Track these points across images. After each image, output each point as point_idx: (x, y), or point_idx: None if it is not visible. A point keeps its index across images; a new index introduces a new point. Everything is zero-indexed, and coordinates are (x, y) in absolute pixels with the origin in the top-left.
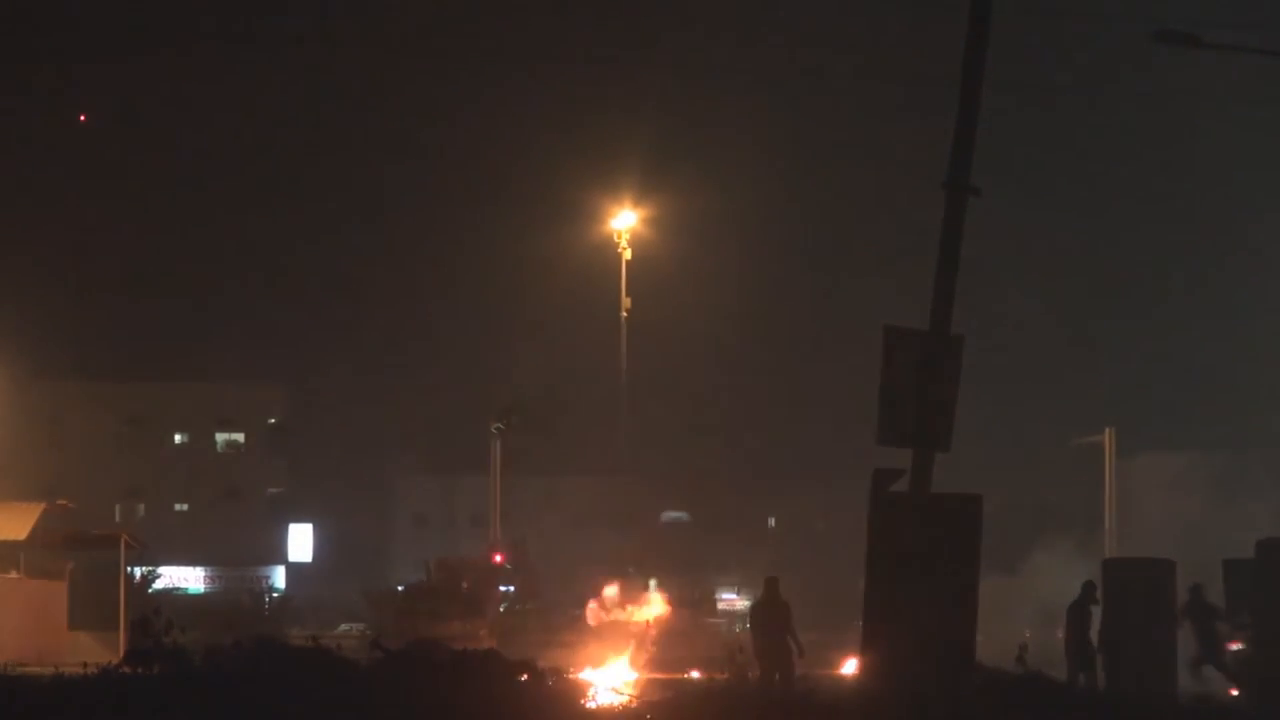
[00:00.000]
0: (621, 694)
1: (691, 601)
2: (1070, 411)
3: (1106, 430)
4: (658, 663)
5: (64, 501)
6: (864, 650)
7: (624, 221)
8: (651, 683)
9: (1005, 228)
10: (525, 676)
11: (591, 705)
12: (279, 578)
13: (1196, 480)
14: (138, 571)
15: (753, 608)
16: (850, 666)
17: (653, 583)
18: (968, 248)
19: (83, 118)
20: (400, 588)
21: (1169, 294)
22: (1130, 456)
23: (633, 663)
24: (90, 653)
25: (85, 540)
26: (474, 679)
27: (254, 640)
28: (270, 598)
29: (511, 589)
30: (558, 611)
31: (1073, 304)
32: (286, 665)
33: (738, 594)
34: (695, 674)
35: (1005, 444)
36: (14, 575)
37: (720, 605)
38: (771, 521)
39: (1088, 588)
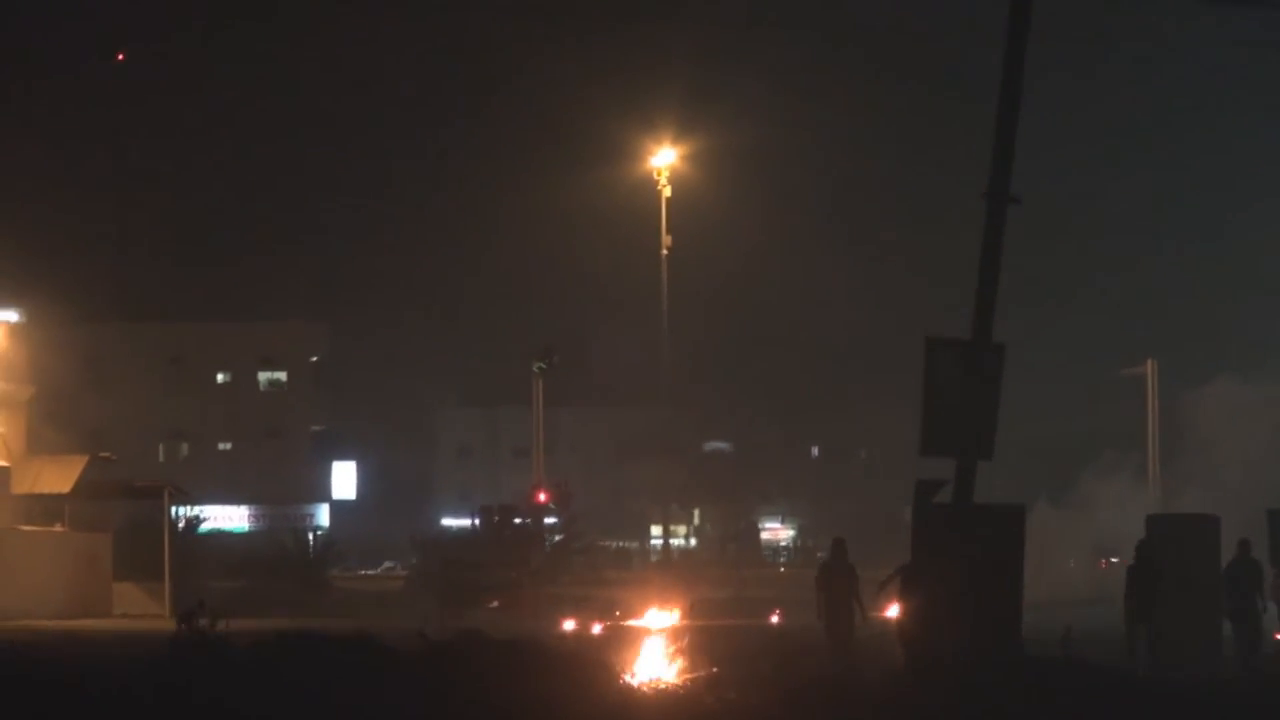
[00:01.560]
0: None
1: (734, 534)
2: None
3: (1149, 362)
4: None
5: (107, 454)
6: (908, 654)
7: (664, 159)
8: (701, 634)
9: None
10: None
11: (640, 687)
12: (323, 515)
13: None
14: (182, 516)
15: (820, 568)
16: (893, 610)
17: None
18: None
19: (120, 56)
20: (447, 525)
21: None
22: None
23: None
24: (136, 603)
25: (129, 491)
26: (521, 671)
27: (297, 632)
28: (314, 537)
29: (556, 528)
30: (603, 553)
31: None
32: (330, 657)
33: (781, 523)
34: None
35: (1073, 375)
36: (59, 528)
37: (763, 534)
38: (815, 450)
39: (1140, 548)
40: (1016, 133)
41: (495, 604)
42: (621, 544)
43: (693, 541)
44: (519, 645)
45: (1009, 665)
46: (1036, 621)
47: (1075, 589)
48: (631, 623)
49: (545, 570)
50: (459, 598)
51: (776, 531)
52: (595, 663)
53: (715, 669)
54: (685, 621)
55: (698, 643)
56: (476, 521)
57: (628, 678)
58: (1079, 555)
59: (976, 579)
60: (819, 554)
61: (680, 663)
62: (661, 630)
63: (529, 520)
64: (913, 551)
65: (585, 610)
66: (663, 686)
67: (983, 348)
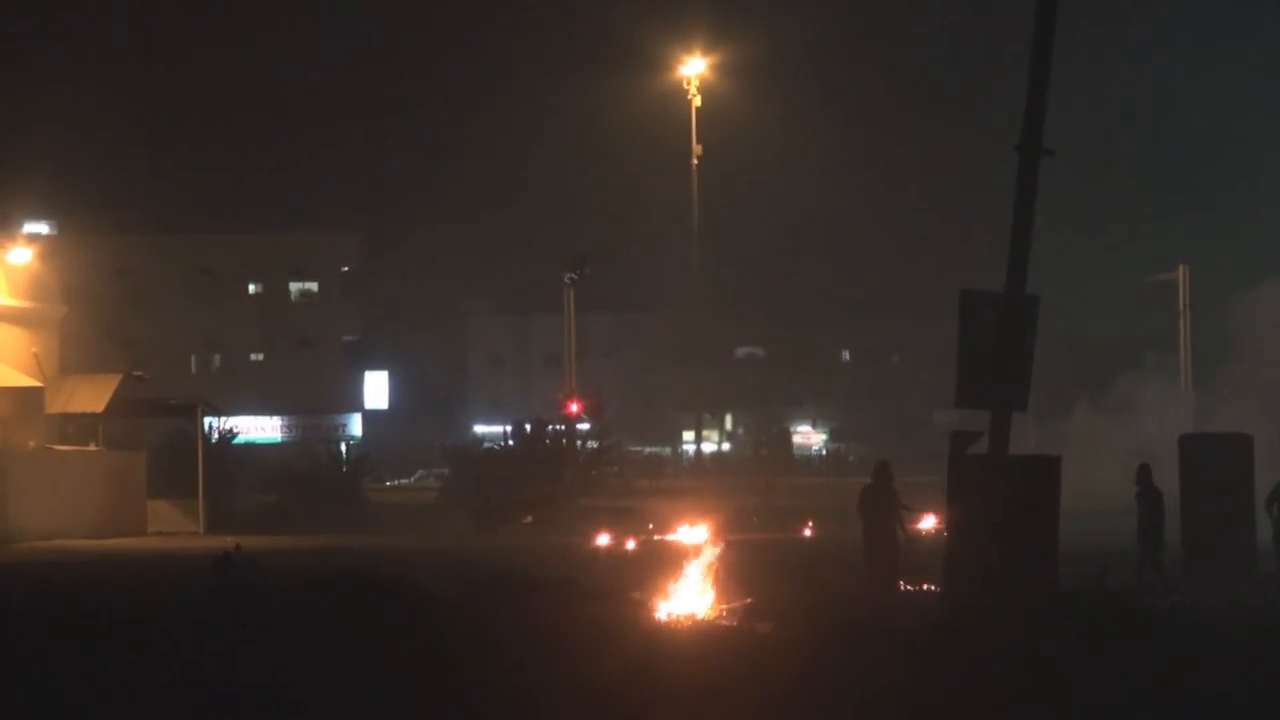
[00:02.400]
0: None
1: (766, 439)
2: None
3: (1180, 267)
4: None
5: (140, 373)
6: (945, 608)
7: (693, 68)
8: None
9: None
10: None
11: (675, 622)
12: (355, 425)
13: None
14: (215, 429)
15: (861, 494)
16: (929, 522)
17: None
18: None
19: None
20: (479, 433)
21: None
22: (1252, 287)
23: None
24: (171, 520)
25: (162, 409)
26: (562, 610)
27: (336, 575)
28: (347, 447)
29: (589, 434)
30: (634, 461)
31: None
32: (367, 600)
33: (813, 427)
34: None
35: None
36: (93, 447)
37: (795, 439)
38: (846, 354)
39: (1141, 472)
40: (1049, 84)
41: (528, 520)
42: (653, 450)
43: (725, 447)
44: (552, 585)
45: (1044, 614)
46: (1073, 536)
47: (1113, 499)
48: (665, 537)
49: (578, 483)
50: (493, 515)
51: (808, 436)
52: (628, 599)
53: (750, 599)
54: (718, 537)
55: (732, 561)
56: (509, 435)
57: (661, 613)
58: (1115, 463)
59: (1012, 530)
60: (850, 459)
61: (714, 588)
62: (694, 546)
63: (563, 433)
64: (948, 503)
65: (619, 524)
66: (698, 619)
67: (1017, 299)
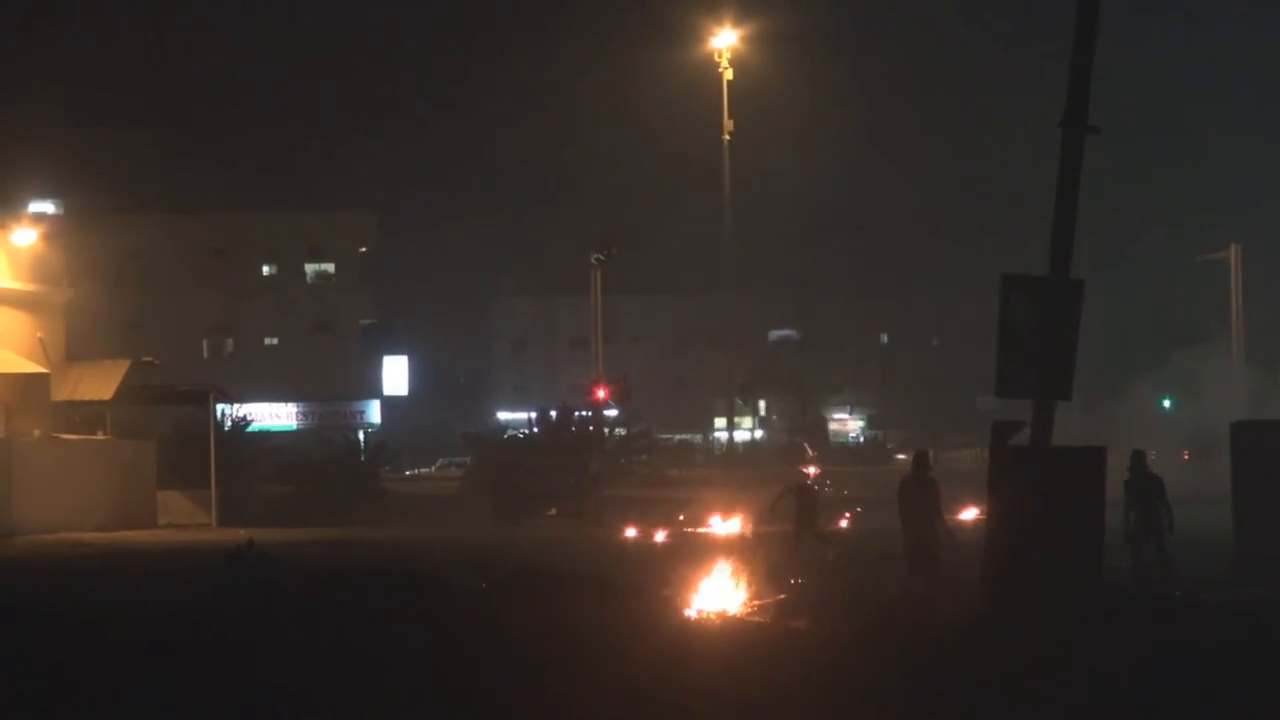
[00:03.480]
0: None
1: (802, 426)
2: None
3: (1231, 246)
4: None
5: (149, 358)
6: (986, 602)
7: (725, 41)
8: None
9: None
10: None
11: (704, 618)
12: (374, 412)
13: None
14: (228, 417)
15: (900, 486)
16: (970, 513)
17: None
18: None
19: None
20: (502, 419)
21: None
22: None
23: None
24: (182, 512)
25: (173, 396)
26: (588, 606)
27: (353, 571)
28: (365, 435)
29: (617, 424)
30: (664, 449)
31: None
32: (385, 597)
33: (850, 414)
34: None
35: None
36: (100, 436)
37: (831, 425)
38: (884, 338)
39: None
40: (1094, 59)
41: (553, 512)
42: (683, 438)
43: (759, 434)
44: (577, 581)
45: (1089, 611)
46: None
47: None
48: (695, 529)
49: (605, 473)
50: (515, 506)
51: (845, 423)
52: (657, 595)
53: (783, 594)
54: (749, 528)
55: (764, 554)
56: (534, 422)
57: (691, 609)
58: (1165, 446)
59: (1055, 522)
60: (889, 446)
61: (746, 582)
62: (723, 538)
63: (590, 420)
64: (989, 494)
65: (647, 516)
66: (729, 616)
67: (1060, 284)
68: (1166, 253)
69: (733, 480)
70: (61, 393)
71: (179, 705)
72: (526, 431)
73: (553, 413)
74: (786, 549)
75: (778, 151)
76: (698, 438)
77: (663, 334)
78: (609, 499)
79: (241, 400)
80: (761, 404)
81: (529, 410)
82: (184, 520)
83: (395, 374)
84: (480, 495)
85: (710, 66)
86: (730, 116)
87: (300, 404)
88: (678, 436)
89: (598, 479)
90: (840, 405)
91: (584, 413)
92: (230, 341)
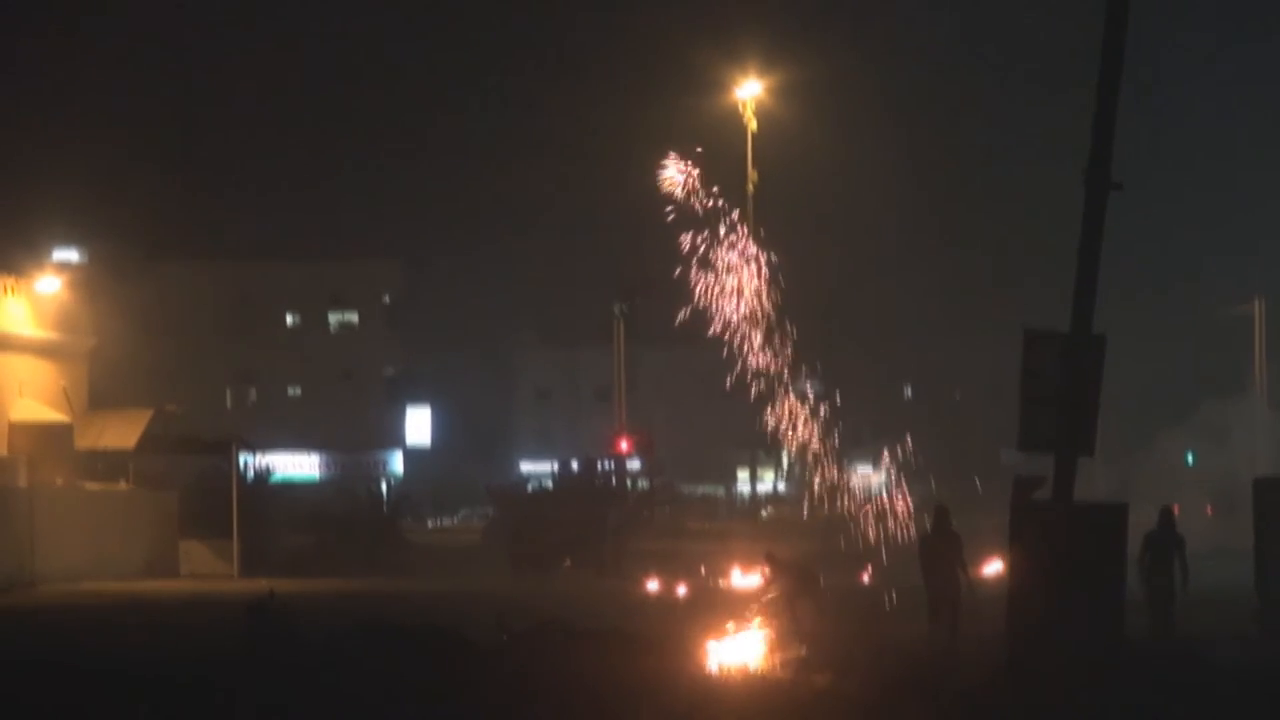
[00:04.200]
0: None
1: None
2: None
3: (1256, 299)
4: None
5: (172, 407)
6: (1008, 659)
7: (749, 91)
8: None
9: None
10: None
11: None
12: (396, 462)
13: None
14: (251, 467)
15: (922, 542)
16: (994, 567)
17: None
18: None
19: None
20: (526, 471)
21: None
22: None
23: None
24: (203, 562)
25: (196, 445)
26: (608, 661)
27: (374, 624)
28: (388, 485)
29: (641, 475)
30: (687, 502)
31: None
32: (407, 651)
33: (873, 469)
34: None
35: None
36: (123, 485)
37: (853, 481)
38: (908, 391)
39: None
40: (1117, 113)
41: (568, 563)
42: (706, 490)
43: (781, 487)
44: (598, 636)
45: (1111, 667)
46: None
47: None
48: (717, 583)
49: (627, 527)
50: (530, 558)
51: (868, 478)
52: (678, 650)
53: (805, 649)
54: (771, 583)
55: (785, 610)
56: (558, 474)
57: (712, 665)
58: (1188, 499)
59: (1076, 579)
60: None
61: (768, 638)
62: (747, 594)
63: (612, 472)
64: (1011, 550)
65: (669, 569)
66: (751, 672)
67: (1082, 340)
68: (1192, 307)
69: (755, 533)
70: (84, 441)
71: None
72: (549, 483)
73: (574, 464)
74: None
75: (801, 202)
76: (720, 490)
77: (687, 385)
78: (632, 551)
79: (264, 450)
80: (784, 456)
81: (552, 461)
82: (205, 570)
83: (418, 424)
84: (502, 548)
85: (735, 117)
86: (754, 167)
87: (323, 454)
88: (700, 489)
89: (618, 531)
90: (863, 458)
91: (607, 465)
92: (254, 391)
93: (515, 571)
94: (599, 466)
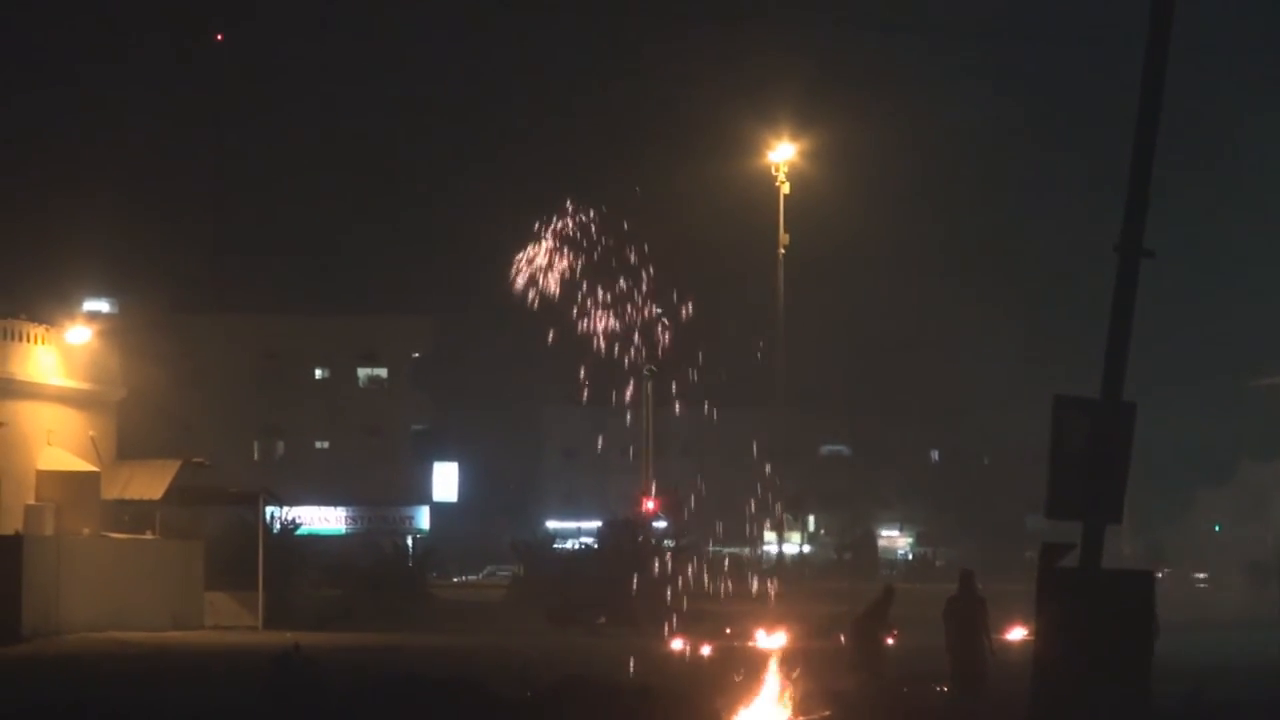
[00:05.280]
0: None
1: (850, 542)
2: None
3: None
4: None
5: (200, 459)
6: (1033, 717)
7: (782, 154)
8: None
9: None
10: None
11: None
12: (423, 518)
13: None
14: (277, 520)
15: (947, 603)
16: (1017, 633)
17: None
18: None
19: (219, 37)
20: (554, 538)
21: None
22: None
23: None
24: (228, 614)
25: (223, 497)
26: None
27: (399, 678)
28: (414, 541)
29: (666, 536)
30: (714, 562)
31: None
32: (431, 705)
33: (900, 531)
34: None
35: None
36: (149, 535)
37: (881, 542)
38: (935, 455)
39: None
40: (1151, 181)
41: (602, 620)
42: (732, 551)
43: (807, 549)
44: (622, 692)
45: None
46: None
47: (1215, 608)
48: (741, 643)
49: (657, 586)
50: (567, 614)
51: (894, 539)
52: (703, 709)
53: (828, 711)
54: (793, 643)
55: (806, 669)
56: (597, 533)
57: None
58: (1216, 568)
59: (1102, 648)
60: (937, 563)
61: (792, 699)
62: (770, 653)
63: (644, 531)
64: (1037, 617)
65: (694, 628)
66: None
67: (1113, 407)
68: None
69: (781, 595)
70: (112, 491)
71: None
72: (586, 542)
73: (607, 524)
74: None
75: (833, 265)
76: (746, 551)
77: (714, 447)
78: (660, 610)
79: (291, 503)
80: (811, 519)
81: (578, 520)
82: (230, 622)
83: (445, 480)
84: (528, 603)
85: (767, 180)
86: (786, 230)
87: (349, 508)
88: (726, 550)
89: (650, 592)
90: (890, 522)
91: (642, 535)
92: (281, 444)
93: (551, 625)
94: (637, 526)
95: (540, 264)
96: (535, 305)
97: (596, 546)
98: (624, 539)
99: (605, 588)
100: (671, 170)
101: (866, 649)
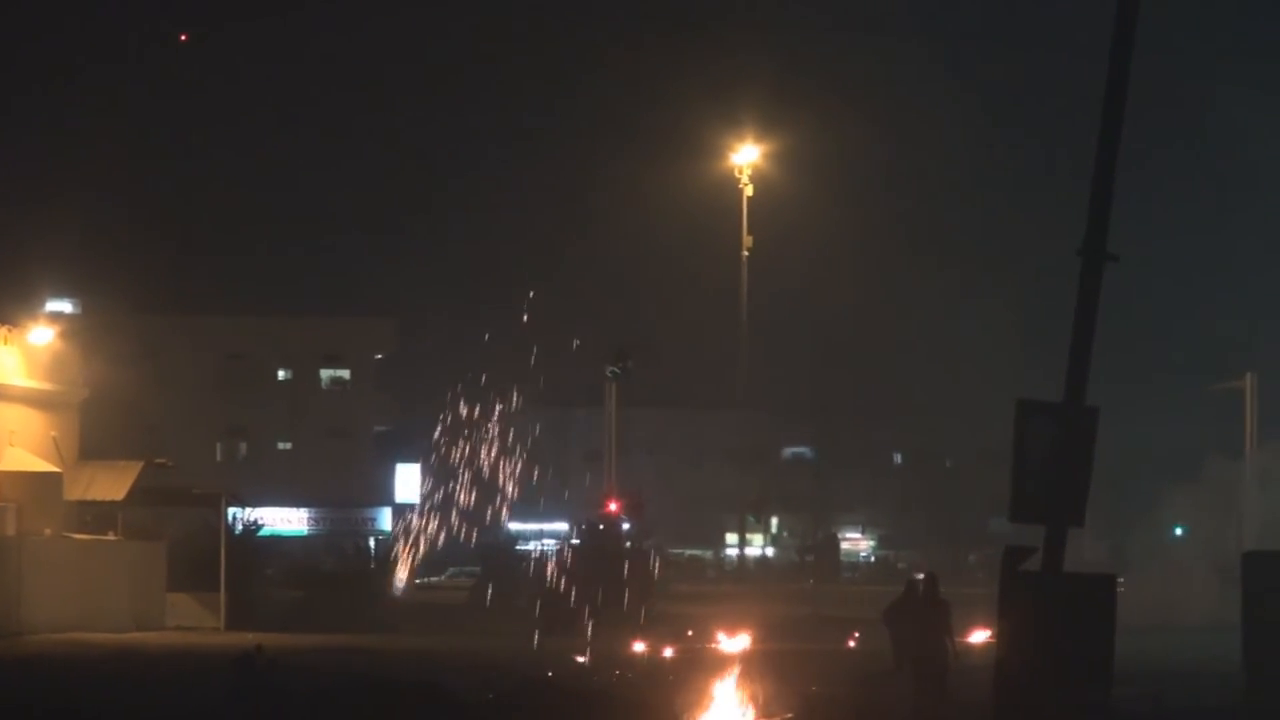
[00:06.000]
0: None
1: (813, 544)
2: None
3: (1247, 375)
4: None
5: (163, 460)
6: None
7: (746, 157)
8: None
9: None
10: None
11: None
12: (385, 520)
13: None
14: (239, 521)
15: (892, 607)
16: (980, 635)
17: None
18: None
19: (184, 37)
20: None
21: None
22: None
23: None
24: (190, 615)
25: (185, 498)
26: None
27: (360, 680)
28: (376, 542)
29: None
30: (674, 568)
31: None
32: (392, 708)
33: (862, 533)
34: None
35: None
36: (111, 536)
37: (843, 545)
38: (898, 457)
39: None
40: (1114, 185)
41: (593, 622)
42: (694, 553)
43: (770, 551)
44: (582, 695)
45: None
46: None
47: (1177, 611)
48: (703, 645)
49: (644, 588)
50: (559, 617)
51: (857, 542)
52: (662, 711)
53: (790, 714)
54: (757, 646)
55: (771, 673)
56: (576, 535)
57: None
58: (1181, 571)
59: (1064, 650)
60: (899, 565)
61: (754, 701)
62: (733, 656)
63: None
64: (999, 620)
65: (656, 630)
66: None
67: (1076, 411)
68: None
69: (743, 596)
70: (74, 492)
71: None
72: (569, 544)
73: (586, 525)
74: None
75: (797, 267)
76: (709, 553)
77: (678, 448)
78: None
79: (253, 504)
80: (774, 521)
81: (539, 522)
82: (192, 623)
83: (408, 481)
84: (491, 605)
85: (731, 182)
86: (749, 232)
87: (312, 509)
88: (688, 551)
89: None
90: (852, 524)
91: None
92: (244, 445)
93: (546, 632)
94: (616, 528)
95: None
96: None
97: (578, 548)
98: (607, 541)
99: (598, 590)
100: (636, 174)
101: (924, 653)
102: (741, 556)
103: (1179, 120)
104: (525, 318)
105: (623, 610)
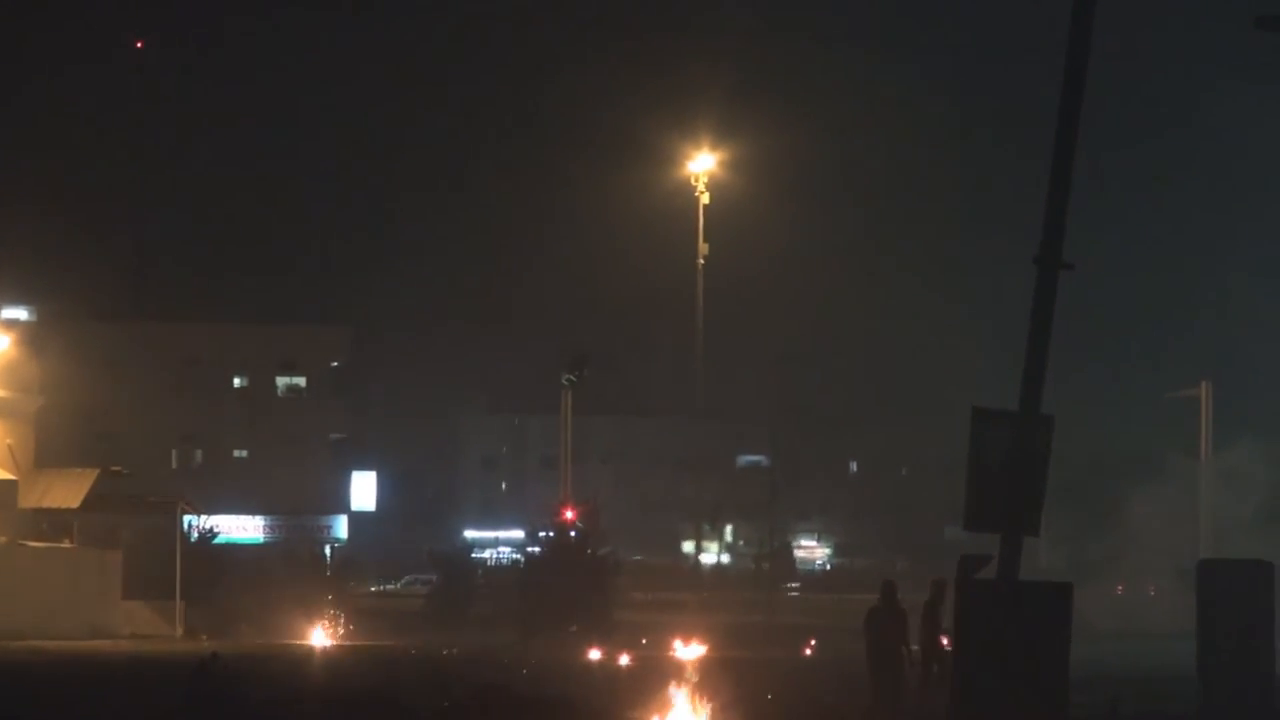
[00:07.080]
0: None
1: (768, 552)
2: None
3: (1202, 383)
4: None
5: (118, 468)
6: None
7: (702, 165)
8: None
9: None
10: None
11: None
12: (341, 527)
13: None
14: (195, 528)
15: (869, 613)
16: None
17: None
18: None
19: (139, 44)
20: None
21: None
22: None
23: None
24: (146, 623)
25: (141, 506)
26: None
27: (315, 689)
28: (331, 550)
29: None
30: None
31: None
32: (348, 716)
33: (817, 541)
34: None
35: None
36: (67, 544)
37: (799, 553)
38: (854, 465)
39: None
40: (1070, 194)
41: (574, 629)
42: (648, 559)
43: (725, 559)
44: (539, 703)
45: None
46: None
47: (1138, 618)
48: (659, 653)
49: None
50: (538, 622)
51: (812, 550)
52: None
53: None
54: (712, 653)
55: (726, 680)
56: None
57: None
58: (1137, 579)
59: (1021, 657)
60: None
61: (711, 708)
62: (687, 663)
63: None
64: (956, 628)
65: (613, 638)
66: None
67: (1031, 419)
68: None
69: (699, 604)
70: (29, 500)
71: None
72: (527, 552)
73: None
74: None
75: (752, 276)
76: (666, 560)
77: (633, 456)
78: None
79: (209, 512)
80: (729, 529)
81: (496, 529)
82: (149, 630)
83: (363, 489)
84: (445, 612)
85: (687, 190)
86: (705, 240)
87: (267, 517)
88: (644, 558)
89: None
90: (808, 532)
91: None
92: (199, 452)
93: (526, 638)
94: (585, 536)
95: None
96: None
97: (536, 556)
98: (576, 548)
99: (575, 596)
100: (592, 182)
101: (880, 659)
102: (697, 564)
103: (1146, 121)
104: (481, 325)
105: (579, 617)
